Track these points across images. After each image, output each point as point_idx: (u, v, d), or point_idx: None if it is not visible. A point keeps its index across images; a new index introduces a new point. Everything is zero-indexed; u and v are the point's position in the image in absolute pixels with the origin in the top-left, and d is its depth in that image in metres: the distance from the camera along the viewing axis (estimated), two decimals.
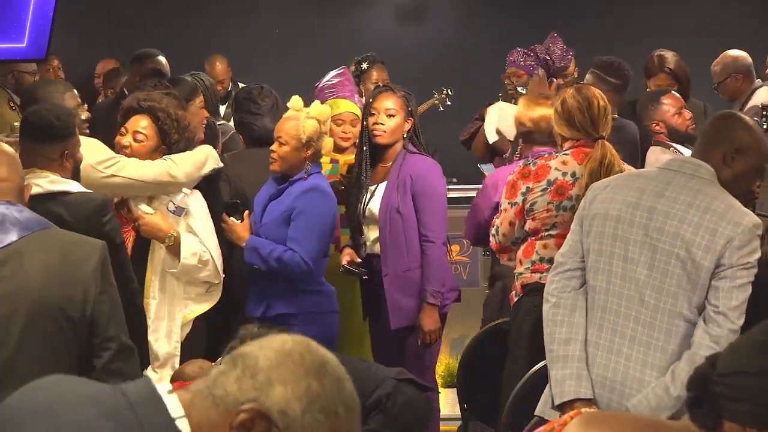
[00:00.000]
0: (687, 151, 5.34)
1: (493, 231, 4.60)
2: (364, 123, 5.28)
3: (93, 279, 3.10)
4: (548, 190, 4.40)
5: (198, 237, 4.57)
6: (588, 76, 6.13)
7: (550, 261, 4.37)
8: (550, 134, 5.27)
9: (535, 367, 4.12)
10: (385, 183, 5.18)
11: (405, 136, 5.23)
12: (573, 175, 4.39)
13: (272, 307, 4.81)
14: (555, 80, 6.30)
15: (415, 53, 9.62)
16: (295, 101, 4.95)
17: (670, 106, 5.62)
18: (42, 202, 3.65)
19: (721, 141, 3.51)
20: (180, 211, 4.54)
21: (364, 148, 5.25)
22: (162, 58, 6.83)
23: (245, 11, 10.10)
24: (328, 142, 4.95)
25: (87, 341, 3.10)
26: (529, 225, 4.46)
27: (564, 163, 4.42)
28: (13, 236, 3.09)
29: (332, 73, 6.13)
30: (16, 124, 5.00)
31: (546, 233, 4.42)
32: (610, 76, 6.04)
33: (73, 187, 3.96)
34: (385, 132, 5.19)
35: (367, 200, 5.20)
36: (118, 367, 3.13)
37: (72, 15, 8.71)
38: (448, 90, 8.05)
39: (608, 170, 4.28)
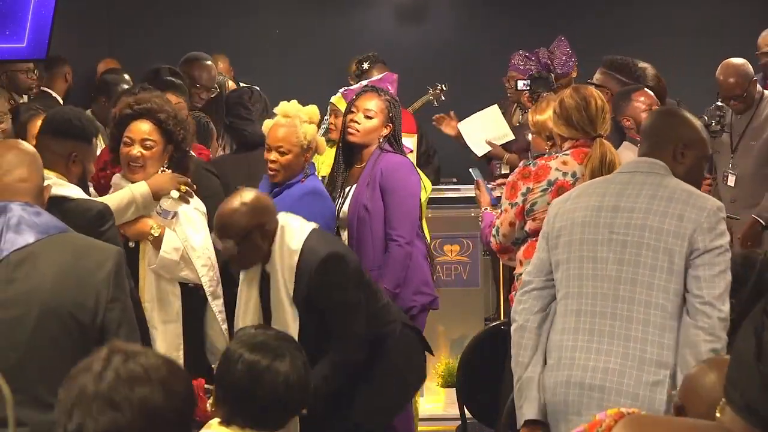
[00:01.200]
0: None
1: (493, 232, 4.60)
2: (344, 120, 5.18)
3: (106, 285, 3.08)
4: (549, 190, 4.40)
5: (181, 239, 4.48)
6: (598, 76, 6.09)
7: None
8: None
9: None
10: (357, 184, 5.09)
11: (380, 140, 5.09)
12: (573, 175, 4.39)
13: None
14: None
15: (415, 53, 9.62)
16: (285, 107, 4.83)
17: (642, 103, 5.63)
18: None
19: (668, 139, 3.63)
20: (167, 214, 4.45)
21: (340, 145, 5.17)
22: (209, 62, 6.85)
23: (245, 11, 10.10)
24: (321, 141, 4.94)
25: (96, 346, 3.09)
26: (529, 225, 4.47)
27: (564, 163, 4.43)
28: (29, 238, 3.07)
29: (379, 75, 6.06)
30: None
31: None
32: (623, 76, 6.01)
33: (73, 192, 3.93)
34: (358, 131, 5.08)
35: (340, 204, 5.09)
36: None
37: (72, 15, 8.70)
38: (443, 86, 8.01)
39: (609, 168, 4.30)
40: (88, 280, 3.07)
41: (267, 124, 4.94)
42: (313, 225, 4.33)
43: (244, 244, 4.10)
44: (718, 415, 1.80)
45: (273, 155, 4.74)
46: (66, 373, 2.01)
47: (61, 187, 3.89)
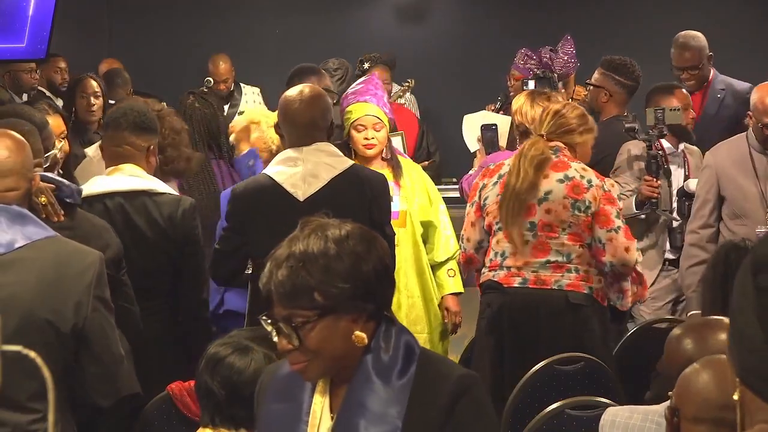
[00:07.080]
0: (666, 144, 5.42)
1: (461, 241, 4.68)
2: None
3: (87, 293, 3.05)
4: (498, 183, 4.51)
5: None
6: (596, 76, 6.04)
7: (503, 255, 4.46)
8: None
9: (536, 367, 4.13)
10: None
11: None
12: None
13: None
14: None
15: (415, 52, 9.62)
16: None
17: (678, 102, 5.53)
18: (132, 199, 3.90)
19: None
20: None
21: None
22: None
23: (245, 11, 10.10)
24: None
25: (72, 353, 3.07)
26: (486, 222, 4.55)
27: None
28: (13, 244, 3.04)
29: (360, 80, 5.94)
30: None
31: (497, 227, 4.51)
32: (622, 77, 5.95)
33: (159, 185, 4.03)
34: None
35: None
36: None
37: (72, 15, 8.70)
38: (410, 81, 8.10)
39: (534, 163, 4.41)
40: (69, 288, 3.04)
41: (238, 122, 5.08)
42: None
43: None
44: (735, 397, 1.80)
45: None
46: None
47: (149, 180, 4.00)
